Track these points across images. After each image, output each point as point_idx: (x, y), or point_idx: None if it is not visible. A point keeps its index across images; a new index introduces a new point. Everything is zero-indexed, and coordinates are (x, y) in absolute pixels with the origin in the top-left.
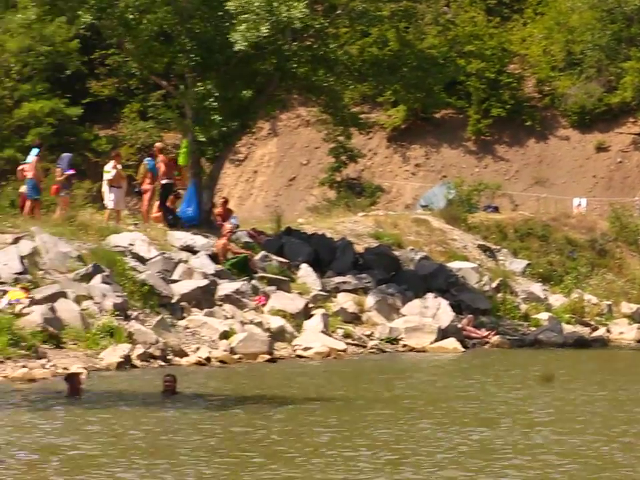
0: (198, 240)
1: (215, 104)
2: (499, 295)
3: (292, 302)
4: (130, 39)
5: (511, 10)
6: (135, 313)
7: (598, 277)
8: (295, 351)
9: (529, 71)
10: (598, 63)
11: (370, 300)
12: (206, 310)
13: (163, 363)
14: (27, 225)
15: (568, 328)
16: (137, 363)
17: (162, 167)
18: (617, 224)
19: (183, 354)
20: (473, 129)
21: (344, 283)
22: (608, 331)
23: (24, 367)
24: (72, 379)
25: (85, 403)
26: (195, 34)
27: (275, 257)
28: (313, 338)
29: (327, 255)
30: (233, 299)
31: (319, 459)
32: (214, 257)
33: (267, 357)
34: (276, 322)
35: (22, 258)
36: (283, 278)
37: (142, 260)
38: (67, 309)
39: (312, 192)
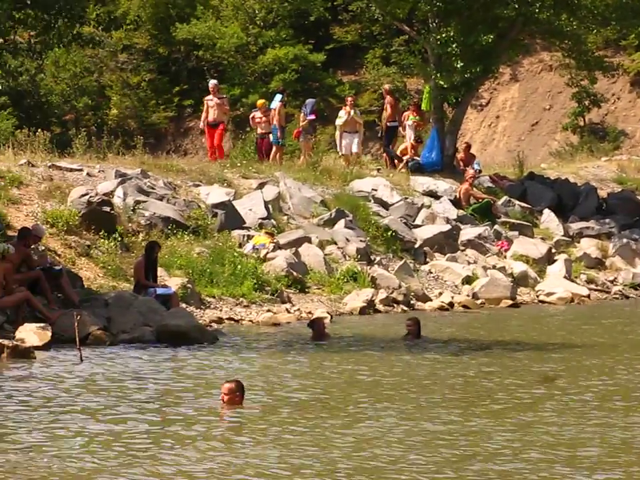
0: (440, 185)
1: (457, 49)
2: None
3: (535, 247)
4: None
5: None
6: (378, 258)
7: None
8: (537, 296)
9: None
10: None
11: (613, 245)
12: (448, 255)
13: (405, 308)
14: (271, 170)
15: None
16: (380, 307)
17: (387, 109)
18: None
19: (426, 299)
20: None
21: (587, 228)
22: None
23: (269, 311)
24: (316, 324)
25: (328, 347)
26: None
27: (517, 202)
28: (555, 283)
29: (569, 200)
30: (476, 244)
31: (557, 404)
32: (456, 202)
33: (510, 302)
34: (518, 267)
35: (266, 203)
36: (526, 223)
37: (385, 205)
38: (310, 254)
39: (555, 137)
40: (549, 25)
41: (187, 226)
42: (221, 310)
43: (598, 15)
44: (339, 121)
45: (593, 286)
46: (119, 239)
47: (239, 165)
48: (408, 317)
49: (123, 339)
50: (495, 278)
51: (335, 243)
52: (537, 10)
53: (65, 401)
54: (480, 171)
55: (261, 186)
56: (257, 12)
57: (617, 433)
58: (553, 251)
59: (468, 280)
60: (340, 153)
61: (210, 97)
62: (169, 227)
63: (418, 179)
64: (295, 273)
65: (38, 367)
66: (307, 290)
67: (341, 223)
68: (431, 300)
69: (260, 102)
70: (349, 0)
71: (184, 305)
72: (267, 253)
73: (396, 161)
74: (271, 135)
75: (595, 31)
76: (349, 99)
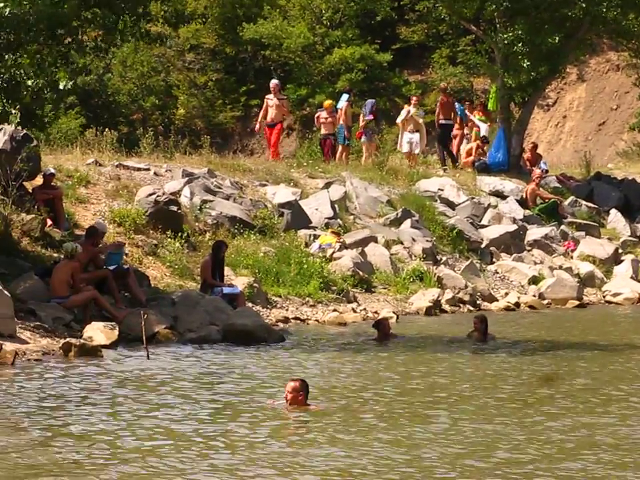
0: (507, 185)
1: (524, 49)
2: None
3: (601, 247)
4: None
5: None
6: (444, 258)
7: None
8: (604, 296)
9: None
10: None
11: None
12: (515, 255)
13: (472, 308)
14: (337, 170)
15: None
16: (446, 307)
17: (438, 107)
18: None
19: (492, 299)
20: None
21: None
22: None
23: (335, 310)
24: (381, 324)
25: (394, 347)
26: None
27: (584, 202)
28: (622, 284)
29: (636, 200)
30: (542, 244)
31: (622, 408)
32: (523, 202)
33: (576, 302)
34: (585, 267)
35: (333, 203)
36: (592, 223)
37: (451, 205)
38: (377, 254)
39: (621, 137)
40: (616, 24)
41: (254, 225)
42: (287, 309)
43: None
44: (399, 119)
45: None
46: (186, 238)
47: (305, 164)
48: (475, 315)
49: (189, 338)
50: (562, 278)
51: (401, 243)
52: (604, 9)
53: (132, 398)
54: (547, 171)
55: (327, 185)
56: (323, 12)
57: None
58: (620, 251)
59: (534, 280)
60: (401, 151)
61: (271, 95)
62: (236, 227)
63: (484, 178)
64: (361, 273)
65: (105, 365)
66: (372, 290)
67: (407, 222)
68: (497, 300)
69: (327, 102)
70: (416, 0)
71: (250, 304)
72: (333, 252)
73: (449, 160)
74: (333, 136)
75: None
76: (414, 97)
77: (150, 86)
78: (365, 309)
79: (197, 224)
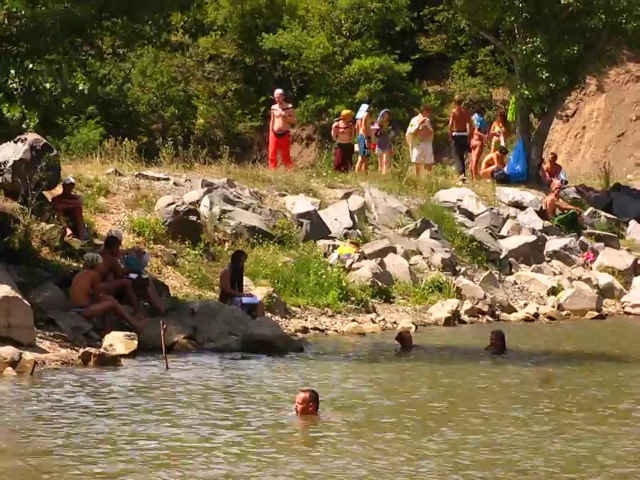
0: (526, 196)
1: (543, 60)
2: None
3: (621, 258)
4: None
5: None
6: (463, 268)
7: None
8: (623, 307)
9: None
10: None
11: None
12: (534, 266)
13: (490, 319)
14: (356, 180)
15: None
16: (465, 318)
17: (451, 119)
18: None
19: (511, 309)
20: None
21: None
22: None
23: (353, 320)
24: (402, 337)
25: (414, 358)
26: None
27: (603, 213)
28: None
29: None
30: (561, 255)
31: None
32: (542, 213)
33: (595, 313)
34: (604, 278)
35: (352, 213)
36: (612, 234)
37: (470, 215)
38: (396, 264)
39: None
40: (635, 35)
41: (273, 235)
42: (306, 319)
43: None
44: (410, 129)
45: None
46: (205, 248)
47: (324, 174)
48: (492, 329)
49: (208, 348)
50: (581, 289)
51: (420, 253)
52: (623, 20)
53: (150, 407)
54: (566, 182)
55: (346, 196)
56: (343, 22)
57: None
58: (639, 262)
59: (553, 291)
60: (413, 162)
61: (276, 106)
62: (255, 237)
63: (503, 189)
64: (380, 283)
65: (124, 374)
66: (391, 300)
67: (426, 233)
68: (516, 311)
69: (345, 112)
70: (435, 10)
71: (269, 315)
72: (352, 262)
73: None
74: (349, 146)
75: None
76: (425, 107)
77: (169, 96)
78: (383, 319)
79: (216, 234)
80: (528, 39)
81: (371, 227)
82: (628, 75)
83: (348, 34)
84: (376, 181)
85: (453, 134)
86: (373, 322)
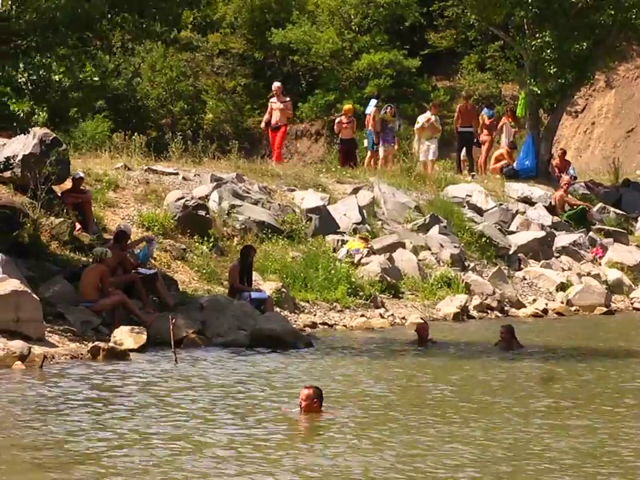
0: (535, 191)
1: (552, 55)
2: None
3: (629, 254)
4: None
5: None
6: (472, 264)
7: None
8: (632, 303)
9: None
10: None
11: None
12: (543, 261)
13: (499, 314)
14: (365, 176)
15: None
16: (474, 313)
17: (457, 114)
18: None
19: (520, 305)
20: None
21: None
22: None
23: (362, 316)
24: (418, 328)
25: (424, 353)
26: None
27: (612, 209)
28: None
29: None
30: (570, 251)
31: None
32: (551, 209)
33: (604, 309)
34: (613, 274)
35: (361, 208)
36: (621, 230)
37: (479, 211)
38: (404, 259)
39: None
40: None
41: (282, 230)
42: (314, 314)
43: None
44: (417, 126)
45: None
46: (214, 242)
47: (333, 170)
48: (501, 325)
49: (217, 343)
50: (590, 285)
51: (429, 249)
52: (633, 16)
53: (157, 402)
54: (575, 178)
55: (355, 191)
56: (352, 17)
57: None
58: None
59: (562, 287)
60: (419, 159)
61: (274, 99)
62: (264, 232)
63: (513, 185)
64: (388, 278)
65: (133, 369)
66: (400, 295)
67: (435, 228)
68: (524, 306)
69: (347, 107)
70: (445, 5)
71: (278, 309)
72: (361, 258)
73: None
74: (353, 142)
75: None
76: (434, 103)
77: (179, 90)
78: (392, 314)
79: (225, 229)
80: (537, 35)
81: (379, 222)
82: (637, 70)
83: (357, 29)
84: (385, 176)
85: (458, 129)
86: (382, 317)
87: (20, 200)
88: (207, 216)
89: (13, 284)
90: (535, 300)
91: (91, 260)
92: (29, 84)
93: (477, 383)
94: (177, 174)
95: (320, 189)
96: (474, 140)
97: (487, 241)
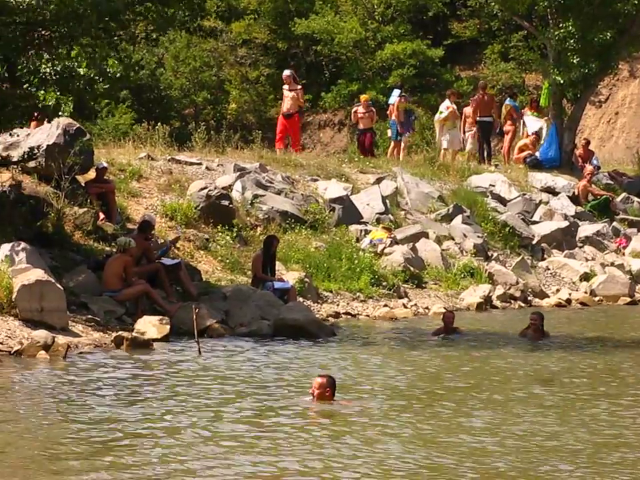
0: (559, 181)
1: (575, 45)
2: None
3: None
4: None
5: None
6: (495, 254)
7: None
8: None
9: None
10: None
11: None
12: (566, 251)
13: (522, 304)
14: (388, 166)
15: None
16: (497, 303)
17: (474, 104)
18: None
19: (543, 295)
20: None
21: None
22: None
23: (385, 306)
24: (444, 316)
25: (447, 342)
26: None
27: (636, 199)
28: None
29: None
30: (594, 241)
31: None
32: (574, 199)
33: (628, 299)
34: (637, 264)
35: (384, 198)
36: None
37: (502, 201)
38: (428, 249)
39: None
40: None
41: (305, 220)
42: (337, 304)
43: None
44: (439, 115)
45: None
46: (237, 232)
47: (356, 160)
48: (532, 312)
49: (240, 332)
50: (613, 275)
51: (452, 239)
52: None
53: (181, 392)
54: (599, 168)
55: (378, 181)
56: (375, 7)
57: None
58: None
59: (586, 277)
60: (442, 147)
61: (286, 86)
62: (287, 221)
63: (536, 175)
64: (412, 268)
65: (156, 358)
66: (423, 285)
67: (459, 218)
68: (548, 296)
69: (364, 97)
70: None
71: (301, 299)
72: (384, 247)
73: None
74: (371, 131)
75: None
76: (452, 92)
77: (202, 81)
78: (415, 304)
79: (248, 218)
80: (561, 24)
81: (403, 212)
82: None
83: (380, 19)
84: (408, 166)
85: (477, 119)
86: (405, 307)
87: (44, 190)
88: (230, 206)
89: (37, 274)
90: (558, 290)
91: (114, 250)
92: (54, 74)
93: (507, 373)
94: (200, 164)
95: (343, 179)
96: (492, 129)
97: (510, 230)
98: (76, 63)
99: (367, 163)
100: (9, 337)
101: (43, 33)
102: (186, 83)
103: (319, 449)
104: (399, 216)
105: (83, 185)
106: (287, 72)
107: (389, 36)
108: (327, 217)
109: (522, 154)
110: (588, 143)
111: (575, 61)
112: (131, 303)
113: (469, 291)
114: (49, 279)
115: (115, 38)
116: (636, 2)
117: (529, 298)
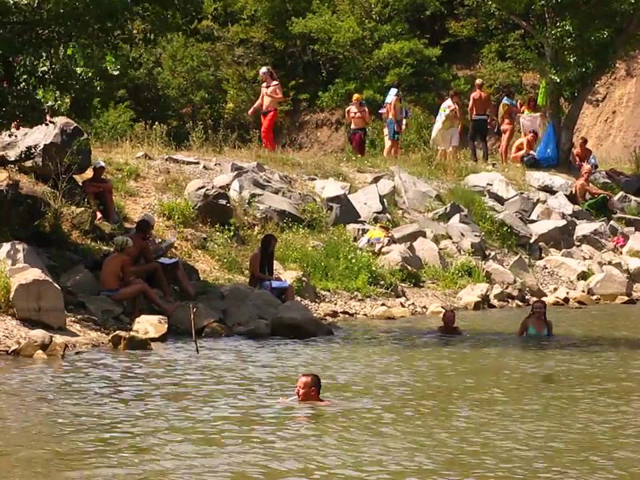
0: (556, 180)
1: (573, 44)
2: None
3: None
4: None
5: None
6: (493, 253)
7: None
8: None
9: None
10: None
11: None
12: (564, 250)
13: (520, 303)
14: (386, 165)
15: None
16: (495, 302)
17: (471, 102)
18: None
19: (541, 294)
20: None
21: None
22: None
23: (383, 305)
24: (444, 315)
25: (446, 341)
26: None
27: (633, 198)
28: None
29: None
30: (591, 240)
31: None
32: (572, 197)
33: (625, 298)
34: (634, 263)
35: (381, 197)
36: None
37: (500, 200)
38: (425, 248)
39: None
40: None
41: (302, 219)
42: (335, 303)
43: None
44: (441, 115)
45: None
46: (235, 231)
47: (353, 159)
48: (535, 300)
49: (238, 332)
50: (611, 274)
51: (450, 238)
52: None
53: (178, 391)
54: (596, 166)
55: (376, 180)
56: (372, 6)
57: None
58: None
59: (583, 276)
60: (439, 148)
61: (264, 84)
62: (284, 221)
63: (533, 174)
64: (409, 267)
65: (154, 358)
66: (421, 284)
67: (456, 217)
68: (545, 295)
69: (356, 96)
70: None
71: (299, 298)
72: (382, 246)
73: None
74: (362, 131)
75: None
76: (455, 92)
77: (199, 80)
78: (413, 303)
79: (245, 218)
80: (558, 23)
81: (400, 211)
82: None
83: (378, 18)
84: (405, 165)
85: (473, 118)
86: (403, 306)
87: (41, 189)
88: (228, 205)
89: (35, 273)
90: (555, 289)
91: (112, 249)
92: (51, 73)
93: (505, 372)
94: (197, 163)
95: (340, 178)
96: (487, 128)
97: (508, 229)
98: (74, 61)
99: (365, 162)
100: (7, 337)
101: (40, 32)
102: (183, 82)
103: (304, 450)
104: (396, 215)
105: (81, 184)
106: (263, 69)
107: (386, 35)
108: (324, 216)
109: (519, 153)
110: (585, 141)
111: (572, 60)
112: (129, 302)
113: (467, 290)
114: (46, 279)
115: (113, 38)
116: (632, 1)
117: (527, 297)
